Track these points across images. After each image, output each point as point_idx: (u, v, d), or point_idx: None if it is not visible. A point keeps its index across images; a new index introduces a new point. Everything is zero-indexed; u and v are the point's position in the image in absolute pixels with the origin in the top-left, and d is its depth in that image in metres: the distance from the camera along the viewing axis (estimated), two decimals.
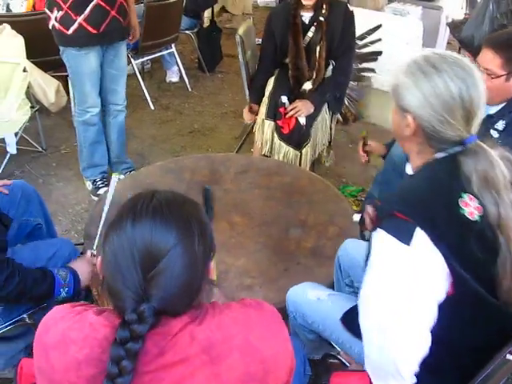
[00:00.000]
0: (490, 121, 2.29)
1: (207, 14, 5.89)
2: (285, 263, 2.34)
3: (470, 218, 1.37)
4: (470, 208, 1.38)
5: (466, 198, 1.38)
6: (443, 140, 1.46)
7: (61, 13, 3.08)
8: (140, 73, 5.63)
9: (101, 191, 3.55)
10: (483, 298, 1.40)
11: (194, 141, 4.52)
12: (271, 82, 3.57)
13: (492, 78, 2.22)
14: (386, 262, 1.38)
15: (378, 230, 1.40)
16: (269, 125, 3.47)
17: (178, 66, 5.48)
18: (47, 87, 3.97)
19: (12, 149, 3.74)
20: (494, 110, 2.33)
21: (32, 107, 3.88)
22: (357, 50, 4.21)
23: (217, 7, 5.93)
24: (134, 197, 1.15)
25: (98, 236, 2.21)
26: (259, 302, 1.19)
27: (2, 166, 3.77)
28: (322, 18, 3.34)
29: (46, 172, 4.01)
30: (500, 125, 2.30)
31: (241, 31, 3.69)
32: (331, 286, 2.22)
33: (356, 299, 2.16)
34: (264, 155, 3.53)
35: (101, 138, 3.60)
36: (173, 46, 5.24)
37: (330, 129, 3.67)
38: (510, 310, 1.44)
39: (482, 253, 1.36)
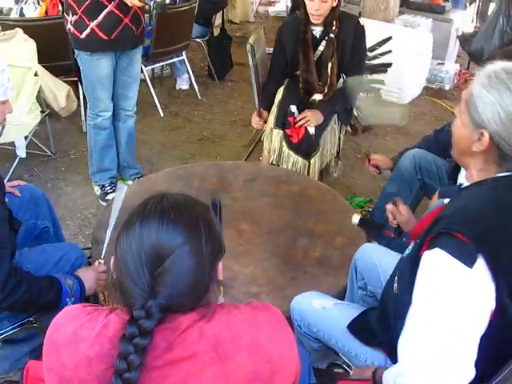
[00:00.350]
0: None
1: (217, 22, 5.91)
2: (292, 272, 2.34)
3: None
4: None
5: None
6: None
7: (75, 17, 3.11)
8: (157, 78, 5.68)
9: (109, 196, 3.56)
10: None
11: (202, 148, 4.53)
12: (281, 91, 3.57)
13: None
14: (443, 283, 1.33)
15: (436, 249, 1.34)
16: (277, 134, 3.47)
17: (188, 73, 5.50)
18: (58, 92, 3.99)
19: (21, 152, 3.75)
20: None
21: (42, 111, 3.91)
22: (367, 62, 4.21)
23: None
24: (146, 199, 1.17)
25: (105, 243, 2.20)
26: (266, 305, 1.21)
27: (12, 170, 3.78)
28: (332, 35, 3.34)
29: (55, 176, 4.02)
30: None
31: (252, 40, 3.70)
32: (338, 296, 2.22)
33: (364, 304, 2.19)
34: (272, 164, 3.54)
35: (111, 143, 3.61)
36: (183, 53, 5.27)
37: (339, 139, 3.67)
38: None
39: None
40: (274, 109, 3.53)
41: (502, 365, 1.40)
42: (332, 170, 3.86)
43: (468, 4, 6.79)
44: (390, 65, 4.57)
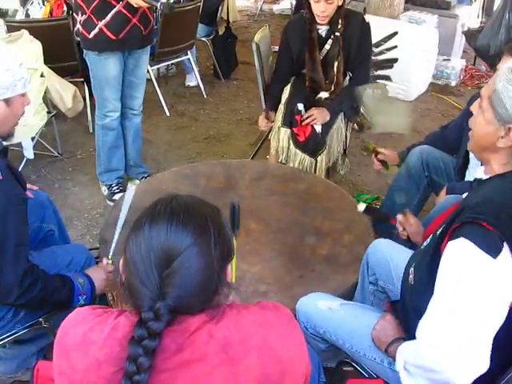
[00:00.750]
0: None
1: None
2: (300, 270, 2.33)
3: None
4: None
5: None
6: None
7: (84, 16, 3.12)
8: (163, 77, 5.69)
9: (116, 196, 3.56)
10: None
11: (209, 147, 4.54)
12: (287, 89, 3.56)
13: None
14: (468, 273, 1.34)
15: (461, 239, 1.35)
16: (285, 132, 3.47)
17: (194, 72, 5.50)
18: (64, 92, 4.00)
19: (29, 153, 3.77)
20: None
21: (49, 112, 3.91)
22: (372, 57, 4.20)
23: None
24: (155, 200, 1.17)
25: (113, 243, 2.20)
26: (276, 304, 1.20)
27: (19, 171, 3.78)
28: (338, 34, 3.33)
29: (62, 177, 4.03)
30: None
31: (257, 38, 3.70)
32: (346, 293, 2.22)
33: (375, 300, 2.19)
34: (279, 162, 3.53)
35: (119, 143, 3.62)
36: (189, 52, 5.27)
37: (346, 137, 3.67)
38: None
39: None
40: (281, 107, 3.52)
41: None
42: (339, 168, 3.86)
43: None
44: (395, 60, 4.56)
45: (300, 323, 2.00)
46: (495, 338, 1.35)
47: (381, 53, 4.56)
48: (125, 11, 3.09)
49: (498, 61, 2.53)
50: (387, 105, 3.42)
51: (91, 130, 4.44)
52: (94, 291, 2.12)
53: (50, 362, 1.16)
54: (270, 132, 3.68)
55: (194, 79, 5.58)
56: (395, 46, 4.54)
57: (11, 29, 3.89)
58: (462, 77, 5.87)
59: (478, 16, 6.68)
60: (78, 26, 3.19)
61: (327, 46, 3.37)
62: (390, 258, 2.11)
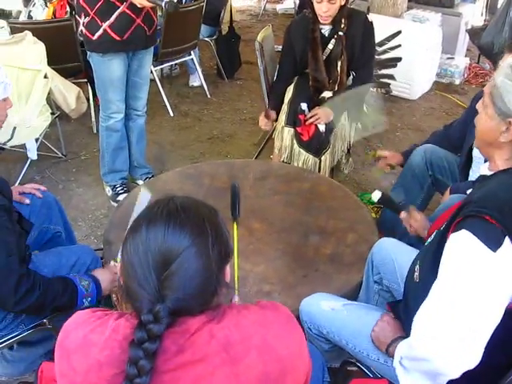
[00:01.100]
0: None
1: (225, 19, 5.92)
2: (304, 270, 2.33)
3: None
4: None
5: None
6: None
7: (88, 18, 3.12)
8: (166, 77, 5.70)
9: (120, 197, 3.56)
10: None
11: (212, 147, 4.53)
12: (291, 89, 3.56)
13: None
14: (467, 266, 1.35)
15: (462, 231, 1.36)
16: (288, 132, 3.46)
17: (197, 72, 5.50)
18: (68, 93, 4.01)
19: (33, 154, 3.78)
20: None
21: (52, 113, 3.92)
22: (376, 56, 4.19)
23: None
24: (153, 202, 1.18)
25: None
26: (275, 304, 1.21)
27: (23, 172, 3.80)
28: (341, 33, 3.33)
29: (66, 178, 4.04)
30: None
31: (260, 38, 3.70)
32: (351, 293, 2.21)
33: (380, 299, 2.19)
34: (283, 162, 3.53)
35: (123, 145, 3.62)
36: (192, 52, 5.27)
37: (349, 136, 3.66)
38: None
39: None
40: (285, 107, 3.52)
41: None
42: (343, 167, 3.86)
43: None
44: (399, 59, 4.56)
45: (303, 323, 2.00)
46: (496, 337, 1.34)
47: (384, 52, 4.56)
48: (129, 12, 3.09)
49: (500, 58, 2.53)
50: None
51: (95, 131, 4.44)
52: (101, 293, 2.12)
53: (54, 363, 1.16)
54: (273, 132, 3.68)
55: (197, 79, 5.58)
56: (399, 45, 4.54)
57: (14, 30, 3.91)
58: (466, 75, 5.85)
59: (482, 14, 6.66)
60: (82, 27, 3.19)
61: (330, 46, 3.36)
62: (394, 257, 2.11)
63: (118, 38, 3.13)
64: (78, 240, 3.22)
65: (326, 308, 1.93)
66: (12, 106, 2.16)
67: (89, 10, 3.09)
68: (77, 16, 3.27)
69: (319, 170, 3.42)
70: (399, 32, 4.56)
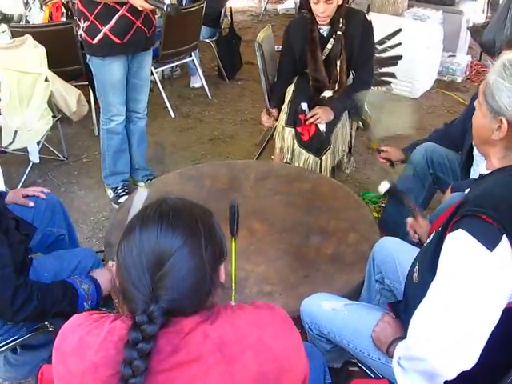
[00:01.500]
0: None
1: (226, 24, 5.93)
2: (305, 270, 2.33)
3: None
4: None
5: None
6: None
7: (87, 23, 3.12)
8: (167, 79, 5.71)
9: (122, 199, 3.56)
10: None
11: (214, 148, 4.53)
12: (291, 88, 3.56)
13: None
14: (463, 266, 1.34)
15: (459, 230, 1.35)
16: (289, 132, 3.46)
17: (198, 73, 5.50)
18: (68, 96, 4.01)
19: (34, 158, 3.79)
20: None
21: (54, 116, 3.92)
22: (376, 55, 4.18)
23: None
24: (146, 205, 1.19)
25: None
26: (270, 304, 1.21)
27: (25, 175, 3.81)
28: (339, 32, 3.32)
29: (68, 180, 4.04)
30: None
31: (260, 38, 3.70)
32: (352, 293, 2.21)
33: (381, 298, 2.18)
34: (284, 162, 3.53)
35: (124, 147, 3.62)
36: (193, 54, 5.27)
37: (350, 135, 3.66)
38: None
39: None
40: (285, 107, 3.52)
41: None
42: (344, 167, 3.85)
43: None
44: (400, 57, 4.54)
45: (304, 324, 2.00)
46: (495, 337, 1.34)
47: (385, 50, 4.55)
48: (129, 15, 3.09)
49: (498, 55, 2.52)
50: (390, 104, 3.41)
51: (96, 134, 4.45)
52: (101, 294, 2.12)
53: None
54: (274, 132, 3.67)
55: (198, 80, 5.59)
56: (399, 43, 4.52)
57: (15, 34, 3.91)
58: (467, 73, 5.84)
59: (483, 11, 6.64)
60: (81, 32, 3.19)
61: (329, 46, 3.36)
62: (396, 256, 2.11)
63: (118, 41, 3.13)
64: (80, 242, 3.22)
65: (326, 308, 1.92)
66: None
67: (88, 15, 3.09)
68: (76, 20, 3.27)
69: (320, 170, 3.41)
70: (400, 30, 4.55)
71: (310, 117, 3.34)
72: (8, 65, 3.56)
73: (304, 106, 3.39)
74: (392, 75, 4.62)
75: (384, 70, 4.60)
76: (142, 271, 1.07)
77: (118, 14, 3.07)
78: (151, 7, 2.99)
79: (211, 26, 5.50)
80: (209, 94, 5.45)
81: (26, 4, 4.87)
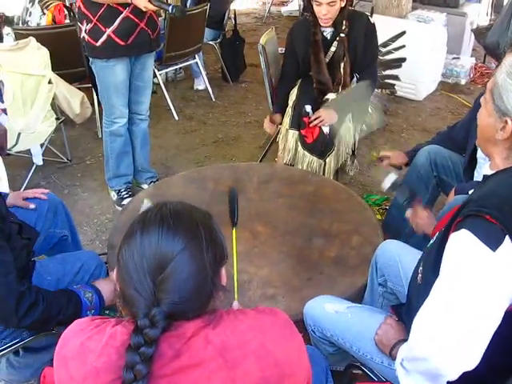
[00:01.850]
0: None
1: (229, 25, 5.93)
2: (308, 273, 2.31)
3: None
4: None
5: None
6: None
7: (90, 25, 3.12)
8: (171, 81, 5.72)
9: (125, 201, 3.56)
10: None
11: (217, 150, 4.53)
12: (295, 91, 3.55)
13: None
14: (466, 266, 1.34)
15: (462, 230, 1.35)
16: (293, 134, 3.46)
17: (202, 76, 5.50)
18: (72, 99, 4.02)
19: (38, 160, 3.79)
20: None
21: (57, 118, 3.93)
22: (380, 57, 4.18)
23: None
24: (146, 210, 1.19)
25: None
26: (273, 309, 1.21)
27: (28, 177, 3.81)
28: (342, 35, 3.32)
29: (72, 183, 4.04)
30: None
31: (263, 41, 3.70)
32: (355, 296, 2.20)
33: (384, 301, 2.18)
34: (288, 164, 3.52)
35: (127, 149, 3.62)
36: (197, 56, 5.27)
37: (354, 137, 3.65)
38: None
39: None
40: (289, 110, 3.52)
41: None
42: (348, 169, 3.84)
43: None
44: (404, 59, 4.54)
45: (307, 326, 2.00)
46: (499, 337, 1.33)
47: (389, 52, 4.55)
48: (132, 16, 3.09)
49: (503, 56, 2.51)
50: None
51: (100, 136, 4.45)
52: (103, 304, 2.11)
53: None
54: (278, 134, 3.67)
55: (202, 83, 5.59)
56: (403, 46, 4.52)
57: (19, 36, 3.92)
58: (471, 75, 5.83)
59: (487, 13, 6.62)
60: (84, 34, 3.18)
61: (333, 48, 3.36)
62: (398, 259, 2.10)
63: (122, 43, 3.13)
64: (83, 244, 3.22)
65: (329, 311, 1.92)
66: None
67: (91, 17, 3.09)
68: (78, 23, 3.27)
69: (324, 173, 3.41)
70: (404, 32, 4.55)
71: (314, 119, 3.34)
72: (11, 67, 3.56)
73: (308, 108, 3.39)
74: (396, 77, 4.62)
75: (388, 72, 4.60)
76: (144, 275, 1.07)
77: (122, 15, 3.07)
78: (155, 8, 2.98)
79: (215, 28, 5.50)
80: (212, 96, 5.46)
81: (26, 10, 4.87)
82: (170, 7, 2.88)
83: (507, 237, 1.30)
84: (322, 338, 1.96)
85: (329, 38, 3.35)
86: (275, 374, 1.08)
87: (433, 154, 2.88)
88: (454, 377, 1.35)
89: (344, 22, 3.29)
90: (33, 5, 4.86)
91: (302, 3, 7.24)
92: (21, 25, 4.84)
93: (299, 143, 3.43)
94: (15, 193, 2.52)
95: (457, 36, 5.78)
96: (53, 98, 3.80)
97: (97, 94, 4.13)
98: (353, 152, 3.73)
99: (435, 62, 5.41)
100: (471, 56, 6.13)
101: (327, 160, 3.40)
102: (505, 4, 5.79)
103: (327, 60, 3.38)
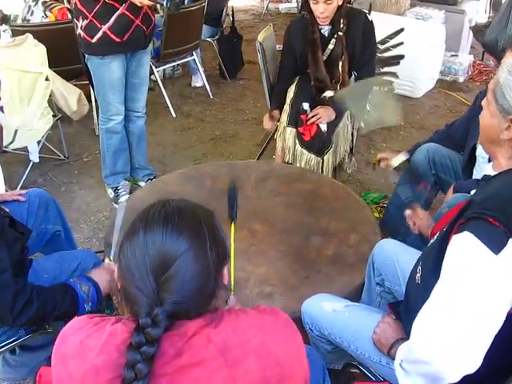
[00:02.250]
0: None
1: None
2: (305, 271, 2.31)
3: None
4: None
5: None
6: None
7: (86, 21, 3.10)
8: (169, 78, 5.71)
9: (122, 199, 3.55)
10: None
11: (215, 148, 4.52)
12: (292, 88, 3.55)
13: None
14: (468, 268, 1.33)
15: (465, 232, 1.34)
16: (290, 132, 3.45)
17: (199, 72, 5.49)
18: (69, 96, 4.00)
19: (34, 157, 3.77)
20: None
21: (54, 116, 3.92)
22: (378, 55, 4.17)
23: None
24: (148, 206, 1.17)
25: (114, 244, 2.20)
26: (274, 309, 1.20)
27: (25, 174, 3.80)
28: (340, 33, 3.31)
29: (68, 180, 4.03)
30: None
31: (261, 38, 3.68)
32: (353, 294, 2.19)
33: (382, 301, 2.17)
34: (286, 162, 3.51)
35: (124, 146, 3.61)
36: (194, 53, 5.26)
37: (352, 135, 3.64)
38: None
39: None
40: (287, 107, 3.51)
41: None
42: (346, 167, 3.83)
43: None
44: (402, 57, 4.53)
45: (305, 325, 1.99)
46: (500, 340, 1.32)
47: (387, 50, 4.54)
48: (128, 13, 3.08)
49: (504, 55, 2.50)
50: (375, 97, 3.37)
51: (97, 133, 4.42)
52: (101, 295, 2.10)
53: None
54: (275, 132, 3.66)
55: (199, 80, 5.57)
56: (401, 43, 4.51)
57: (16, 33, 3.90)
58: (470, 72, 5.82)
59: (486, 11, 6.62)
60: (80, 31, 3.17)
61: (331, 46, 3.35)
62: (396, 258, 2.09)
63: (117, 40, 3.12)
64: (80, 242, 3.22)
65: (327, 309, 1.91)
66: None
67: (87, 13, 3.07)
68: (75, 20, 3.25)
69: (322, 170, 3.40)
70: (402, 30, 4.53)
71: (312, 117, 3.33)
72: (8, 64, 3.55)
73: (306, 106, 3.38)
74: (394, 75, 4.61)
75: (386, 69, 4.59)
76: (146, 273, 1.06)
77: (117, 12, 3.06)
78: (150, 3, 2.98)
79: (213, 25, 5.49)
80: (210, 93, 5.44)
81: (28, 7, 4.83)
82: (165, 1, 2.87)
83: (510, 240, 1.29)
84: (319, 336, 1.96)
85: (327, 35, 3.34)
86: (276, 375, 1.08)
87: (431, 153, 2.87)
88: (455, 380, 1.34)
89: (342, 20, 3.27)
90: (36, 4, 4.83)
91: (299, 0, 7.23)
92: (20, 22, 4.81)
93: (297, 140, 3.42)
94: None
95: (455, 33, 5.77)
96: (50, 95, 3.78)
97: (94, 91, 4.12)
98: (351, 150, 3.72)
99: (433, 60, 5.40)
100: (469, 53, 6.12)
101: (325, 158, 3.39)
102: (503, 2, 5.78)
103: (325, 58, 3.37)
